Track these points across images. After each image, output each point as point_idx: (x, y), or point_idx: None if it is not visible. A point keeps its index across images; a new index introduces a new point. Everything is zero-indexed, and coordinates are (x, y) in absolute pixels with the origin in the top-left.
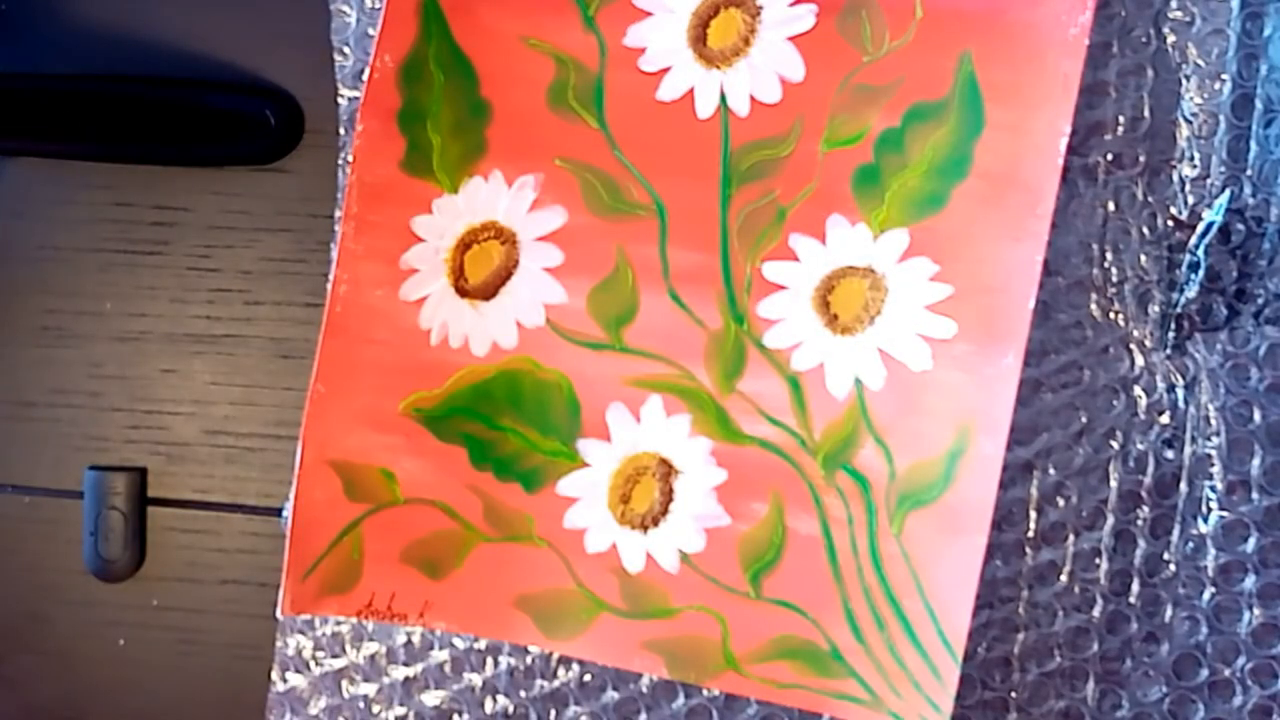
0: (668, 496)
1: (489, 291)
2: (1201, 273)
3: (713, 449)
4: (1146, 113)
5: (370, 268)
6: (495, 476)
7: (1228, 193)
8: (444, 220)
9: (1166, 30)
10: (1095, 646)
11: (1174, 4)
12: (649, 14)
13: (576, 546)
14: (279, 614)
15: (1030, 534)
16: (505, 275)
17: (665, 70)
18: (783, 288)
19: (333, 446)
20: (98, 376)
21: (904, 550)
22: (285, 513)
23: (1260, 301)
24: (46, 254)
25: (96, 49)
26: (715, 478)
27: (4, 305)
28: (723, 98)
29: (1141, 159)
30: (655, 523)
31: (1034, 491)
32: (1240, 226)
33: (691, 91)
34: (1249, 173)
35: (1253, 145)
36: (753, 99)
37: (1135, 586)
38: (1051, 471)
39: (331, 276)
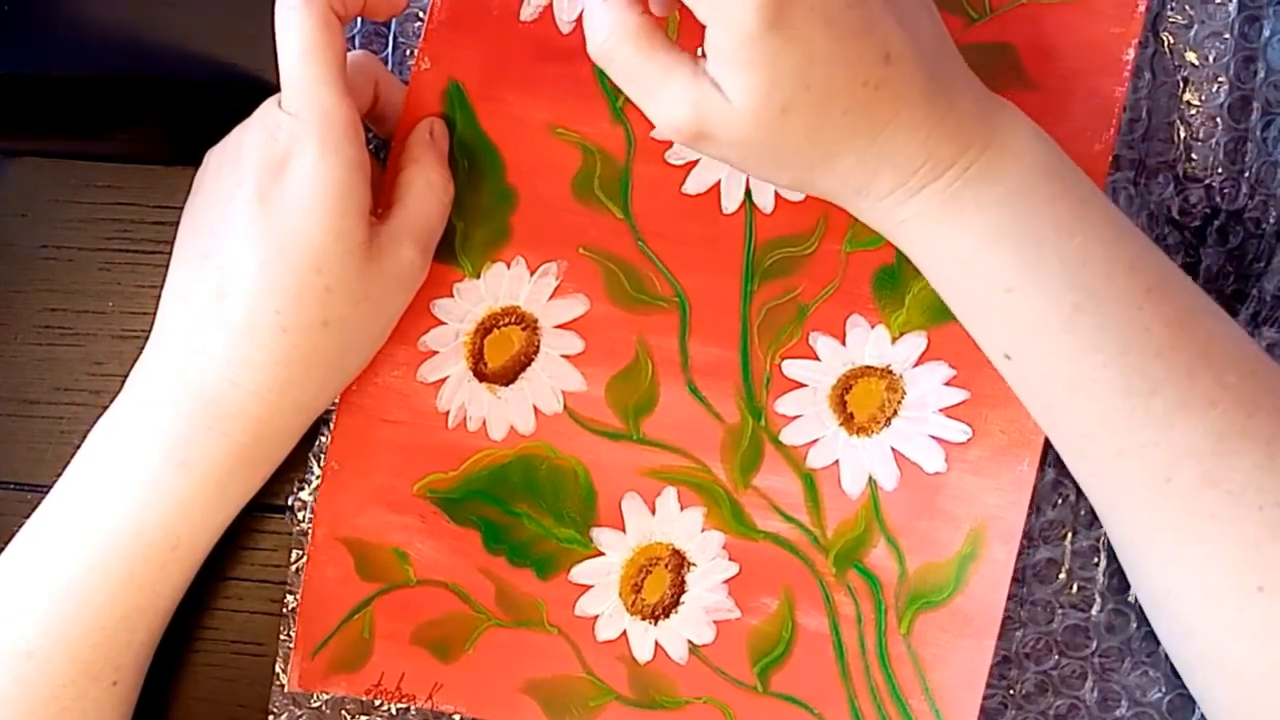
0: (679, 588)
1: (508, 376)
2: (1200, 275)
3: (725, 542)
4: (1144, 114)
5: (388, 348)
6: (508, 561)
7: (1225, 195)
8: (465, 304)
9: (1164, 33)
10: (1094, 645)
11: (1172, 7)
12: None
13: (587, 634)
14: (287, 689)
15: (1029, 532)
16: (525, 361)
17: (692, 164)
18: (801, 385)
19: (345, 524)
20: (100, 375)
21: (912, 650)
22: (289, 509)
23: (1258, 303)
24: (49, 253)
25: (97, 49)
26: (727, 571)
27: (6, 304)
28: (748, 193)
29: (1139, 160)
30: (666, 613)
31: (1032, 489)
32: (1238, 228)
33: (717, 186)
34: (1247, 175)
35: (1250, 147)
36: (777, 196)
37: None
38: (1049, 469)
39: None
